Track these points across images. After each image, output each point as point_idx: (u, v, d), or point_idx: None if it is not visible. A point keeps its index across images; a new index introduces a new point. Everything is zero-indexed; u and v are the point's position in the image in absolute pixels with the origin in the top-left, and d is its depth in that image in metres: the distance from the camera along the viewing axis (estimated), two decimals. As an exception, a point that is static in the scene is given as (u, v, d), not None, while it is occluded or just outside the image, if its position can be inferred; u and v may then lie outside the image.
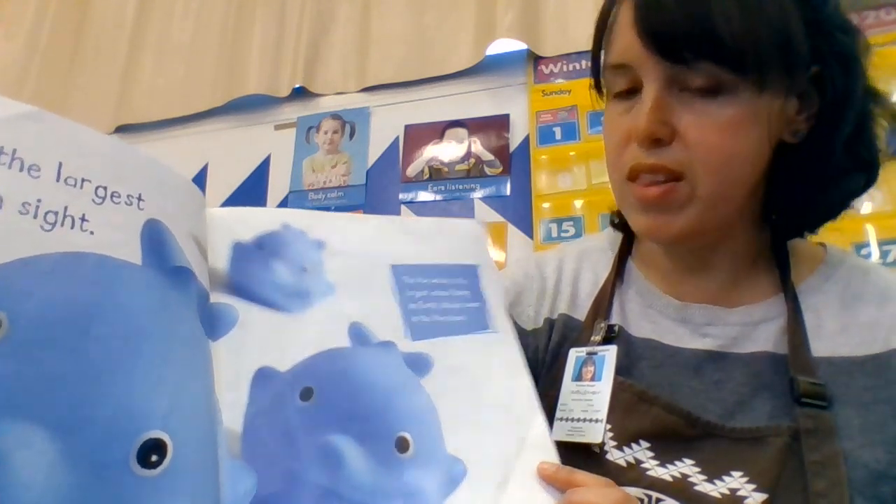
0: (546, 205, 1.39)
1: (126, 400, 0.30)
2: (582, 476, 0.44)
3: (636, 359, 0.54)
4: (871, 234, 1.15)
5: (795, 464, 0.45)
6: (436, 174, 1.53)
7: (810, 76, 0.48)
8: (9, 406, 0.27)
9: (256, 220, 0.45)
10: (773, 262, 0.55)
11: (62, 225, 0.32)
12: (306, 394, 0.40)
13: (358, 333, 0.44)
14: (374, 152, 1.60)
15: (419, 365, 0.45)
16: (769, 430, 0.47)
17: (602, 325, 0.55)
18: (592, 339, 0.55)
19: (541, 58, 1.48)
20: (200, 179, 1.73)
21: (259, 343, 0.40)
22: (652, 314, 0.56)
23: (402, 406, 0.42)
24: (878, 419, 0.46)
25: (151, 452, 0.30)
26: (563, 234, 1.36)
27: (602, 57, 0.54)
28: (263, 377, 0.39)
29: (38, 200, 0.32)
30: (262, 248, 0.44)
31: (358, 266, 0.48)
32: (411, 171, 1.55)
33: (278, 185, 1.65)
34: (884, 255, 1.13)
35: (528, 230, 1.40)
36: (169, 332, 0.34)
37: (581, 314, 0.59)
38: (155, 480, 0.30)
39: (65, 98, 1.88)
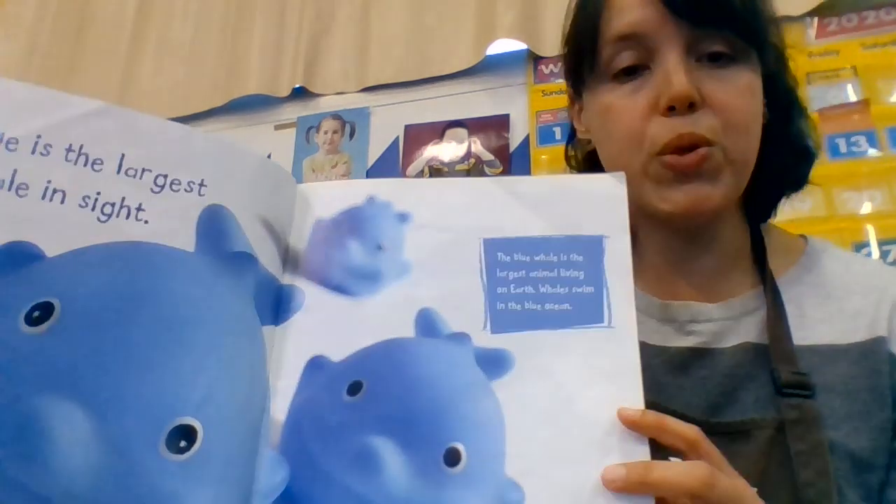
0: (546, 205, 1.39)
1: (161, 385, 0.31)
2: (673, 424, 0.36)
3: None
4: (871, 234, 1.15)
5: (781, 455, 0.45)
6: (436, 174, 1.53)
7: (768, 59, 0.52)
8: (57, 384, 0.29)
9: (343, 195, 0.43)
10: (751, 253, 0.55)
11: (117, 216, 0.34)
12: (355, 388, 0.37)
13: (426, 322, 0.39)
14: (374, 152, 1.60)
15: (495, 363, 0.38)
16: (754, 423, 0.47)
17: None
18: None
19: (541, 58, 1.48)
20: (200, 179, 1.73)
21: (319, 329, 0.39)
22: (637, 315, 0.56)
23: (461, 412, 0.36)
24: (862, 408, 0.46)
25: (181, 438, 0.31)
26: (563, 234, 1.36)
27: (597, 37, 0.52)
28: (315, 367, 0.38)
29: (98, 193, 0.34)
30: (340, 226, 0.42)
31: (444, 241, 0.41)
32: (411, 171, 1.55)
33: (278, 185, 1.64)
34: (884, 255, 1.13)
35: (528, 230, 1.40)
36: (215, 320, 0.34)
37: None
38: (183, 465, 0.31)
39: (65, 98, 1.88)
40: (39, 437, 0.28)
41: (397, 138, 1.59)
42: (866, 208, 1.17)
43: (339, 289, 0.40)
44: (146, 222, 0.35)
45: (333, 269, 0.40)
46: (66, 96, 0.36)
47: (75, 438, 0.29)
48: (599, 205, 0.43)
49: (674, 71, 0.46)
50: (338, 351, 0.38)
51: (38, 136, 0.34)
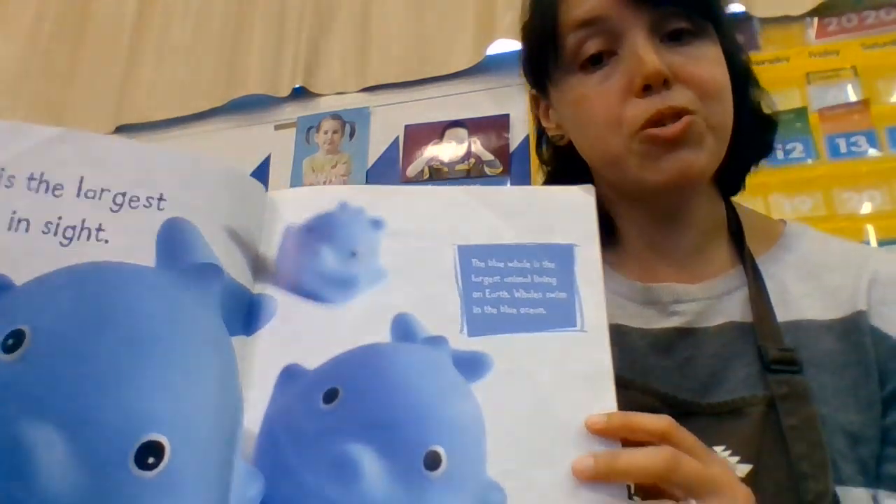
0: (546, 205, 1.39)
1: (127, 403, 0.32)
2: (640, 422, 0.37)
3: None
4: (871, 234, 1.15)
5: (775, 431, 0.45)
6: (436, 174, 1.53)
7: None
8: (33, 409, 0.31)
9: (314, 201, 0.42)
10: (728, 233, 0.56)
11: (78, 238, 0.35)
12: (330, 395, 0.36)
13: (402, 327, 0.39)
14: (374, 152, 1.60)
15: (473, 366, 0.38)
16: (745, 401, 0.47)
17: None
18: None
19: (541, 58, 1.48)
20: (200, 179, 1.73)
21: (293, 337, 0.38)
22: (619, 301, 0.56)
23: (440, 415, 0.36)
24: (849, 383, 0.46)
25: (148, 454, 0.31)
26: (563, 234, 1.36)
27: (557, 26, 0.52)
28: (289, 375, 0.37)
29: (59, 218, 0.35)
30: (312, 232, 0.41)
31: (419, 247, 0.42)
32: (411, 171, 1.55)
33: (278, 185, 1.64)
34: None
35: (528, 230, 1.40)
36: (178, 334, 0.35)
37: None
38: (152, 482, 0.31)
39: (65, 98, 1.88)
40: (24, 463, 0.29)
41: (397, 138, 1.59)
42: (866, 208, 1.17)
43: (312, 296, 0.40)
44: (107, 242, 0.35)
45: (306, 275, 0.40)
46: (26, 126, 0.37)
47: (55, 461, 0.30)
48: (570, 215, 0.44)
49: (644, 52, 0.47)
50: (312, 359, 0.38)
51: (2, 169, 0.35)
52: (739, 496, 0.36)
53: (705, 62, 0.49)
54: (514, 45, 1.48)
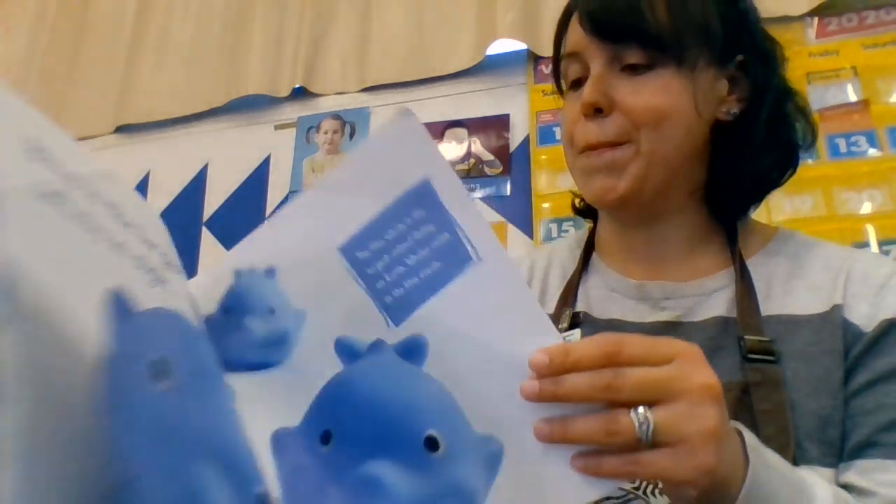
0: (546, 205, 1.39)
1: (241, 444, 0.32)
2: (581, 351, 0.36)
3: None
4: (871, 234, 1.15)
5: (747, 415, 0.48)
6: (436, 174, 1.53)
7: (737, 64, 0.57)
8: (195, 448, 0.28)
9: (213, 284, 0.42)
10: (724, 238, 0.60)
11: (159, 284, 0.32)
12: (325, 438, 0.37)
13: (344, 351, 0.40)
14: (375, 152, 1.60)
15: (413, 353, 0.39)
16: (721, 386, 0.49)
17: (567, 312, 0.60)
18: (560, 326, 0.59)
19: (541, 58, 1.48)
20: (200, 179, 1.73)
21: (264, 409, 0.38)
22: (614, 297, 0.61)
23: (418, 405, 0.38)
24: (822, 371, 0.50)
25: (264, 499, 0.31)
26: (563, 234, 1.36)
27: (559, 55, 0.63)
28: (280, 440, 0.38)
29: (142, 257, 0.32)
30: (229, 312, 0.42)
31: (312, 273, 0.42)
32: (411, 171, 1.55)
33: (278, 185, 1.65)
34: (884, 255, 1.13)
35: (528, 230, 1.40)
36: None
37: (550, 307, 0.63)
38: None
39: (65, 98, 1.88)
40: None
41: (397, 138, 1.59)
42: (866, 208, 1.17)
43: (257, 367, 0.40)
44: (174, 293, 0.34)
45: (243, 352, 0.41)
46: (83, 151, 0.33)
47: (219, 498, 0.28)
48: (408, 148, 0.41)
49: (587, 83, 0.55)
50: (291, 417, 0.39)
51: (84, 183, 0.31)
52: (696, 393, 0.35)
53: (648, 92, 0.54)
54: (514, 45, 1.48)
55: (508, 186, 1.46)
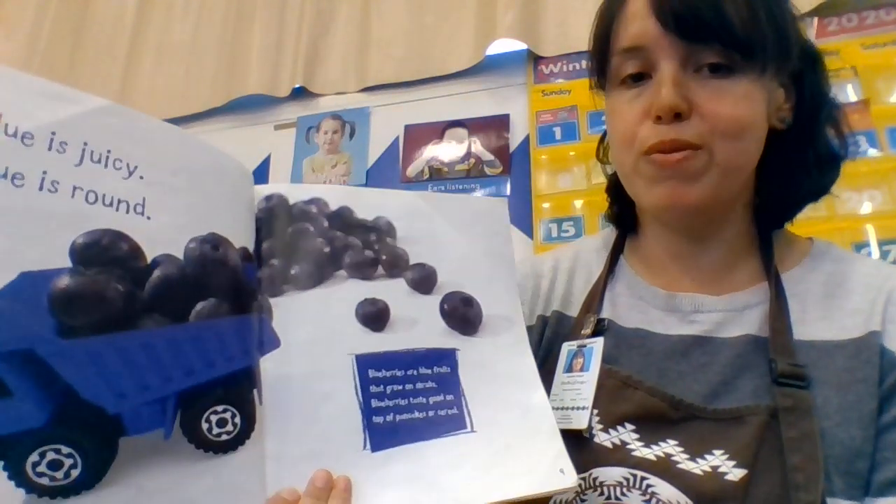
0: (546, 205, 1.39)
1: None
2: None
3: (626, 348, 0.56)
4: (871, 234, 1.15)
5: (774, 441, 0.46)
6: (436, 174, 1.53)
7: (791, 71, 0.54)
8: None
9: None
10: (758, 251, 0.58)
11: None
12: None
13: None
14: (375, 152, 1.60)
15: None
16: (748, 410, 0.48)
17: (592, 318, 0.58)
18: (583, 332, 0.58)
19: (541, 58, 1.48)
20: (200, 179, 1.73)
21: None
22: (641, 305, 0.58)
23: None
24: (855, 398, 0.47)
25: None
26: (563, 234, 1.36)
27: (609, 46, 0.56)
28: None
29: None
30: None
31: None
32: (411, 171, 1.55)
33: (278, 185, 1.64)
34: (884, 255, 1.13)
35: (528, 230, 1.40)
36: None
37: (574, 311, 0.61)
38: None
39: (65, 98, 1.87)
40: None
41: (397, 138, 1.59)
42: (866, 208, 1.17)
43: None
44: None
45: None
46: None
47: None
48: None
49: (664, 83, 0.50)
50: None
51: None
52: None
53: (729, 98, 0.49)
54: (514, 44, 1.48)
55: (508, 186, 1.46)
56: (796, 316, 0.52)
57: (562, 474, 0.46)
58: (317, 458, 0.41)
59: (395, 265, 0.51)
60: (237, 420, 0.39)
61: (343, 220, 0.50)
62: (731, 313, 0.54)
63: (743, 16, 0.48)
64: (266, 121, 1.72)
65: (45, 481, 0.31)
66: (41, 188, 0.34)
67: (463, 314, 0.52)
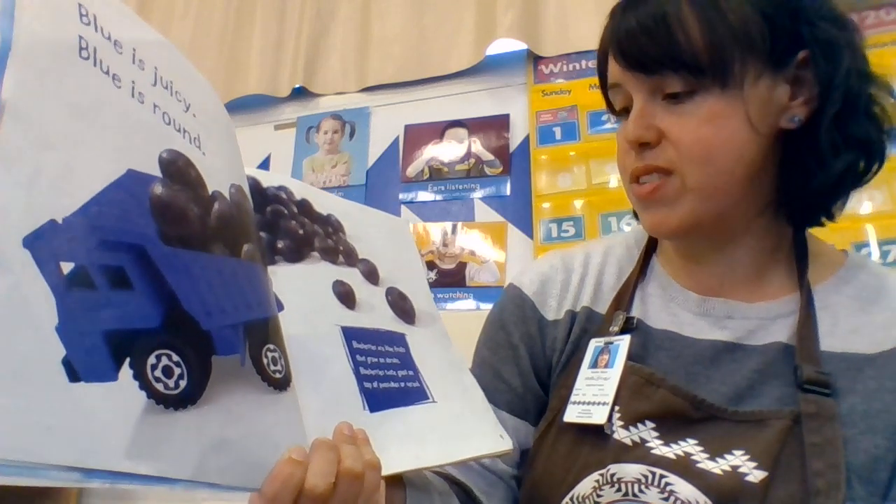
0: (546, 205, 1.39)
1: None
2: None
3: (654, 348, 0.57)
4: (872, 234, 1.15)
5: (796, 445, 0.47)
6: (436, 174, 1.53)
7: (797, 62, 0.52)
8: None
9: None
10: (793, 260, 0.58)
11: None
12: None
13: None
14: (375, 152, 1.60)
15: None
16: (771, 414, 0.49)
17: (621, 316, 0.58)
18: (611, 329, 0.58)
19: (541, 58, 1.48)
20: (200, 179, 1.73)
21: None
22: (673, 307, 0.59)
23: None
24: (881, 407, 0.48)
25: None
26: (563, 234, 1.36)
27: (606, 82, 0.60)
28: None
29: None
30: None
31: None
32: (411, 171, 1.55)
33: (278, 185, 1.64)
34: (884, 255, 1.13)
35: (528, 230, 1.40)
36: None
37: (603, 307, 0.62)
38: None
39: (65, 98, 1.88)
40: None
41: (397, 138, 1.59)
42: (866, 208, 1.17)
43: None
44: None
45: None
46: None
47: None
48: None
49: (630, 118, 0.53)
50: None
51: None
52: None
53: (692, 122, 0.50)
54: (515, 44, 1.48)
55: (508, 186, 1.46)
56: (826, 328, 0.52)
57: (502, 439, 0.54)
58: (329, 415, 0.42)
59: (350, 256, 0.57)
60: (282, 362, 0.40)
61: (306, 209, 0.55)
62: (763, 321, 0.55)
63: (693, 38, 0.49)
64: (266, 121, 1.72)
65: (160, 387, 0.31)
66: (132, 95, 0.34)
67: (402, 306, 0.58)
